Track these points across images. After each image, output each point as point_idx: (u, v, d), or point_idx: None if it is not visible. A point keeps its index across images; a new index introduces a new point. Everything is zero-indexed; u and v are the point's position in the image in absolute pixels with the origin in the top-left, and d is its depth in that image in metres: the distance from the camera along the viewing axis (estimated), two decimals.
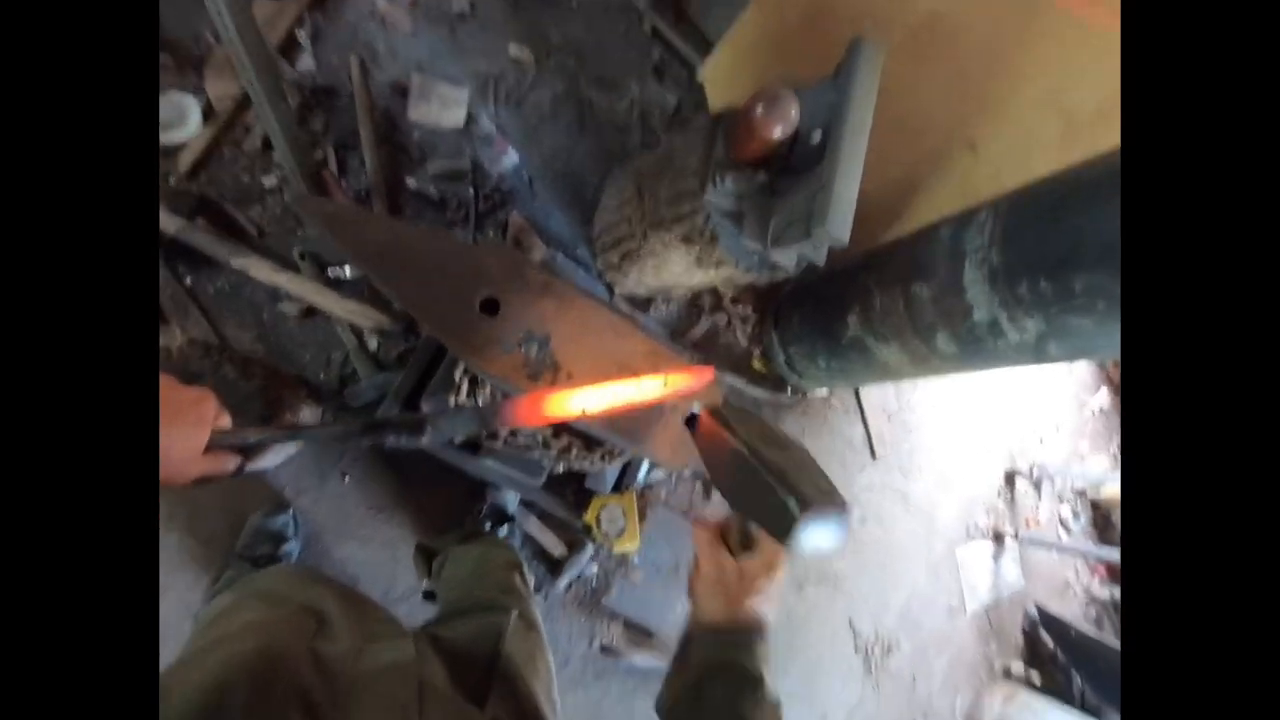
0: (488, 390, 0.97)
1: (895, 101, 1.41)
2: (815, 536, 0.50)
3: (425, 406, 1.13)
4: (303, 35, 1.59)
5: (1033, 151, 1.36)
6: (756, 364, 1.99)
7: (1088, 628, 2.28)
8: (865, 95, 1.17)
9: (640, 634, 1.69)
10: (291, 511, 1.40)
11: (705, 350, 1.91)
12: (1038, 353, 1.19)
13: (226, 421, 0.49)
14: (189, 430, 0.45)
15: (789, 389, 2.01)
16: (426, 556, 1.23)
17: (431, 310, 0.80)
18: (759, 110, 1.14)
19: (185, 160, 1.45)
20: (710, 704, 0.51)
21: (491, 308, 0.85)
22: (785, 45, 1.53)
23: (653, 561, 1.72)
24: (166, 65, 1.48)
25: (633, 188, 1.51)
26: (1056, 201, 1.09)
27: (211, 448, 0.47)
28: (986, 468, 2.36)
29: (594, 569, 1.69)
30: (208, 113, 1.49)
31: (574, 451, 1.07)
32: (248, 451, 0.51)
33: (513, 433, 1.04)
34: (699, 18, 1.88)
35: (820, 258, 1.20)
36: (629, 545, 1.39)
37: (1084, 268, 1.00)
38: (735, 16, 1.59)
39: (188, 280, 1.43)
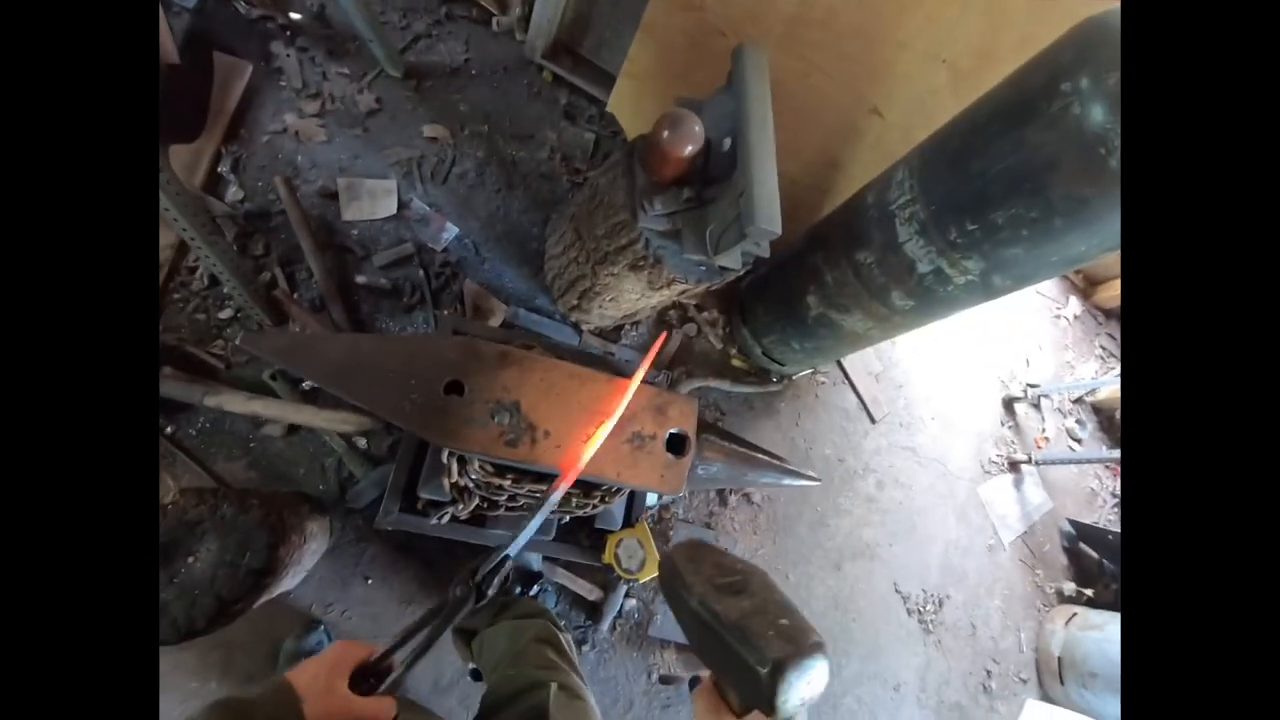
0: (476, 464, 1.00)
1: (792, 90, 1.47)
2: (800, 690, 0.46)
3: (422, 494, 1.15)
4: (224, 168, 1.64)
5: (930, 103, 1.42)
6: (736, 361, 2.03)
7: None
8: (760, 94, 1.22)
9: (693, 653, 1.69)
10: (323, 627, 1.40)
11: (682, 363, 1.95)
12: (986, 289, 1.23)
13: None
14: None
15: (773, 378, 2.04)
16: (465, 638, 1.23)
17: (400, 409, 0.82)
18: (665, 134, 1.19)
19: None
20: None
21: (457, 389, 0.87)
22: (679, 64, 1.60)
23: None
24: None
25: (571, 231, 1.55)
26: (958, 147, 1.14)
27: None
28: (984, 402, 2.40)
29: (632, 603, 1.70)
30: None
31: (574, 501, 1.09)
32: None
33: (511, 498, 1.06)
34: (593, 56, 1.95)
35: (764, 250, 1.24)
36: (653, 573, 1.40)
37: (998, 202, 1.05)
38: (627, 48, 1.66)
39: (168, 430, 1.45)
